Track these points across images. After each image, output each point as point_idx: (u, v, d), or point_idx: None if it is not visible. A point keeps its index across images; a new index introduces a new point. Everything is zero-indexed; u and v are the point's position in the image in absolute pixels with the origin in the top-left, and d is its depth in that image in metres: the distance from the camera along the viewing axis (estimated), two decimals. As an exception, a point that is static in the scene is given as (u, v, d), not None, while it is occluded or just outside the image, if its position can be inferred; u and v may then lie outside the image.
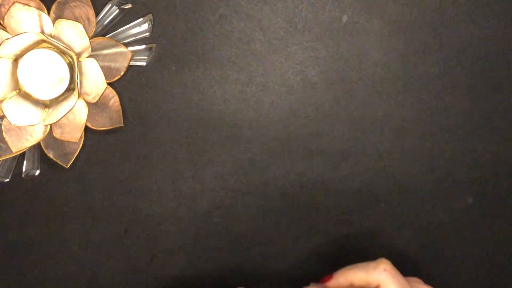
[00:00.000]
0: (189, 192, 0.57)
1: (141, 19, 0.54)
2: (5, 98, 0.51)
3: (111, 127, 0.54)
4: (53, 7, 0.51)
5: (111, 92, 0.54)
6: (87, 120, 0.53)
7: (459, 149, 0.54)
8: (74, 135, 0.53)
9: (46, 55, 0.51)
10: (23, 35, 0.50)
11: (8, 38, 0.50)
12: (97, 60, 0.52)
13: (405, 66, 0.55)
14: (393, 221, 0.59)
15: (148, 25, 0.54)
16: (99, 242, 0.58)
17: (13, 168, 0.56)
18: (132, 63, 0.54)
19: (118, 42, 0.52)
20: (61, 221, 0.58)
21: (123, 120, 0.55)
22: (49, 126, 0.53)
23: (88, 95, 0.52)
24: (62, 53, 0.51)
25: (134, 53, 0.54)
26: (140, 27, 0.54)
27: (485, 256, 0.60)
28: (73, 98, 0.51)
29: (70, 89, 0.52)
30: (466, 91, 0.56)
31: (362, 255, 0.59)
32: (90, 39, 0.51)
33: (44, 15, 0.50)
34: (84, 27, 0.50)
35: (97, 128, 0.54)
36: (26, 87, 0.51)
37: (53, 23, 0.51)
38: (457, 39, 0.55)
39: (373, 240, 0.59)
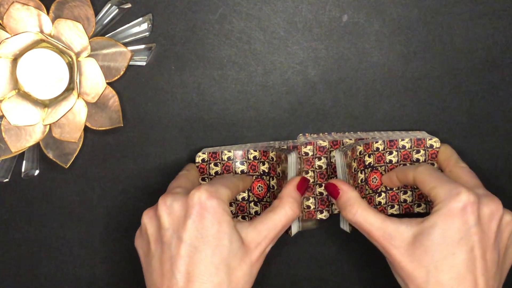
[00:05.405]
0: (189, 192, 0.57)
1: (140, 19, 0.54)
2: (4, 98, 0.51)
3: (110, 127, 0.54)
4: (53, 7, 0.51)
5: (111, 92, 0.54)
6: (86, 120, 0.53)
7: (459, 149, 0.54)
8: (73, 135, 0.53)
9: (45, 54, 0.51)
10: (22, 35, 0.50)
11: (7, 38, 0.50)
12: (97, 60, 0.52)
13: (405, 66, 0.55)
14: (394, 222, 0.59)
15: (148, 25, 0.54)
16: (99, 242, 0.58)
17: (13, 168, 0.56)
18: (131, 62, 0.54)
19: (117, 41, 0.52)
20: (61, 221, 0.58)
21: (123, 120, 0.54)
22: (48, 126, 0.53)
23: (87, 95, 0.52)
24: (61, 52, 0.51)
25: (134, 52, 0.54)
26: (140, 27, 0.54)
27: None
28: (72, 98, 0.51)
29: (69, 89, 0.52)
30: (466, 91, 0.56)
31: (362, 254, 0.59)
32: (89, 38, 0.51)
33: (44, 14, 0.50)
34: (83, 27, 0.50)
35: (97, 128, 0.54)
36: (25, 86, 0.51)
37: (53, 22, 0.51)
38: (458, 39, 0.55)
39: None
